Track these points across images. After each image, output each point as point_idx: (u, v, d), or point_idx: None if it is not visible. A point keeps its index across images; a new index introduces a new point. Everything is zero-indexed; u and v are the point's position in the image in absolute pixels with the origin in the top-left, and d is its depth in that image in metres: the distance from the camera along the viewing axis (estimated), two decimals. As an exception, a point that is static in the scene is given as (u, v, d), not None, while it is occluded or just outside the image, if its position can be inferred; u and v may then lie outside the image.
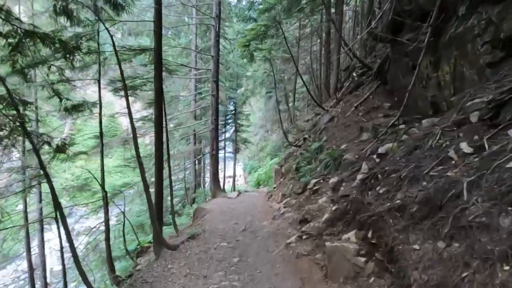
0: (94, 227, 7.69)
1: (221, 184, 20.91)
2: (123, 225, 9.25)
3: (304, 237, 3.92)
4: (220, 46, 17.69)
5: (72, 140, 6.14)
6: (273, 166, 13.13)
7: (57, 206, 4.03)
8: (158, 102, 6.46)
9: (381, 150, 4.03)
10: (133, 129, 4.66)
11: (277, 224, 5.63)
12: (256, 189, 15.17)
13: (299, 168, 8.05)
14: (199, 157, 13.66)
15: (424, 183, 2.24)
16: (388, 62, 7.96)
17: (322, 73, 17.08)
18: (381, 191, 2.69)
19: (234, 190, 19.08)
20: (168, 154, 7.63)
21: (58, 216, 4.67)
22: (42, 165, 3.91)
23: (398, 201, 2.29)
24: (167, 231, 10.78)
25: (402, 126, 5.45)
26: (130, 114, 4.66)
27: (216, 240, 4.66)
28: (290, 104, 20.18)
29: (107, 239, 7.44)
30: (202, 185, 17.15)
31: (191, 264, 3.85)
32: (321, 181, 6.18)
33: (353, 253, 2.48)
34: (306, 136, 9.45)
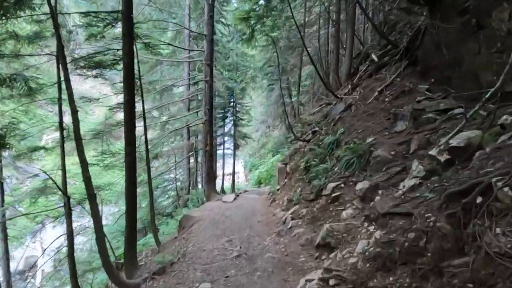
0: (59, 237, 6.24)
1: (220, 182, 19.50)
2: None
3: (332, 282, 2.42)
4: (218, 32, 16.16)
5: (12, 129, 4.64)
6: (275, 164, 11.66)
7: None
8: (129, 82, 4.95)
9: (455, 142, 2.51)
10: (74, 111, 3.18)
11: (284, 244, 4.14)
12: (257, 189, 13.75)
13: (309, 167, 6.55)
14: (191, 153, 12.17)
15: None
16: (421, 35, 6.43)
17: (330, 59, 15.56)
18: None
19: (233, 189, 17.63)
20: (147, 150, 6.15)
21: None
22: None
23: None
24: (151, 240, 9.31)
25: (457, 111, 3.95)
26: (69, 89, 3.16)
27: (196, 277, 3.19)
28: (294, 99, 18.62)
29: (71, 255, 5.95)
30: (200, 184, 15.66)
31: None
32: (342, 185, 4.68)
33: None
34: (316, 128, 7.92)
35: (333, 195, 4.53)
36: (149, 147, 11.52)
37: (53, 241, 6.25)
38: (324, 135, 7.13)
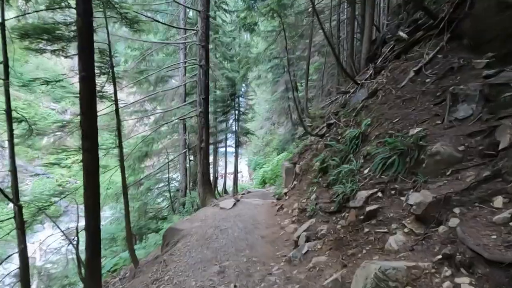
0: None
1: (222, 181, 18.20)
2: (76, 247, 6.58)
3: None
4: (219, 19, 14.81)
5: None
6: (282, 163, 10.34)
7: None
8: (85, 53, 3.67)
9: None
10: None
11: (299, 283, 2.82)
12: (261, 190, 12.45)
13: (326, 168, 5.21)
14: (185, 151, 10.87)
15: None
16: (470, 2, 5.05)
17: (342, 47, 14.31)
18: None
19: (236, 189, 16.32)
20: (121, 146, 4.86)
21: None
22: None
23: None
24: (136, 253, 8.07)
25: None
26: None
27: None
28: (301, 94, 17.18)
29: (26, 280, 4.69)
30: (199, 184, 14.34)
31: None
32: (379, 194, 3.33)
33: None
34: (333, 120, 6.56)
35: (368, 208, 3.19)
36: (139, 144, 10.28)
37: (2, 262, 4.99)
38: (344, 128, 5.77)
